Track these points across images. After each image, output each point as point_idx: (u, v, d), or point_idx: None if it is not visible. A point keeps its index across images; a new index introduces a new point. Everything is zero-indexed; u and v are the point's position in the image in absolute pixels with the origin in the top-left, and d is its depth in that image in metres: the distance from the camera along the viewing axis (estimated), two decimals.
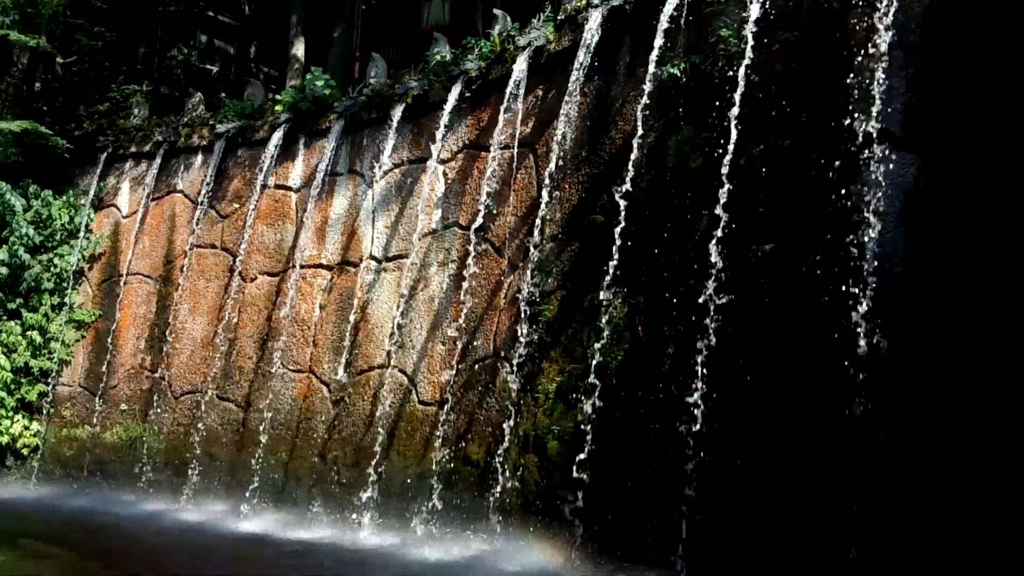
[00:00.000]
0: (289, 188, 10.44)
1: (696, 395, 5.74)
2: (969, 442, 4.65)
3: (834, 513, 4.96)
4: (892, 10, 5.27)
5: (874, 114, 5.21)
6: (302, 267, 9.88)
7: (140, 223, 11.73)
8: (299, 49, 14.57)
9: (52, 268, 11.75)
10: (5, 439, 11.19)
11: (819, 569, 5.02)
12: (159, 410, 10.73)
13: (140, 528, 8.91)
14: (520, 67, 8.15)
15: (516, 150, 8.18)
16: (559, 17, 8.14)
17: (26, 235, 11.63)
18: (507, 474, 7.15)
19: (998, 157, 4.84)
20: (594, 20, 7.54)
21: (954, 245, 4.91)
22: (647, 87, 6.80)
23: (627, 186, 6.70)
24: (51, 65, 13.96)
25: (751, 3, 6.14)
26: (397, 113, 9.32)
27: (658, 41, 6.75)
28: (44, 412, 11.61)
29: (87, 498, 10.47)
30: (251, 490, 9.21)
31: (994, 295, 4.72)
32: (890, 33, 5.25)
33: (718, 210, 5.90)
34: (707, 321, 5.82)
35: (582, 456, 6.39)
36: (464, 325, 8.11)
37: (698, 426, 5.68)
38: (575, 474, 6.42)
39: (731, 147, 5.91)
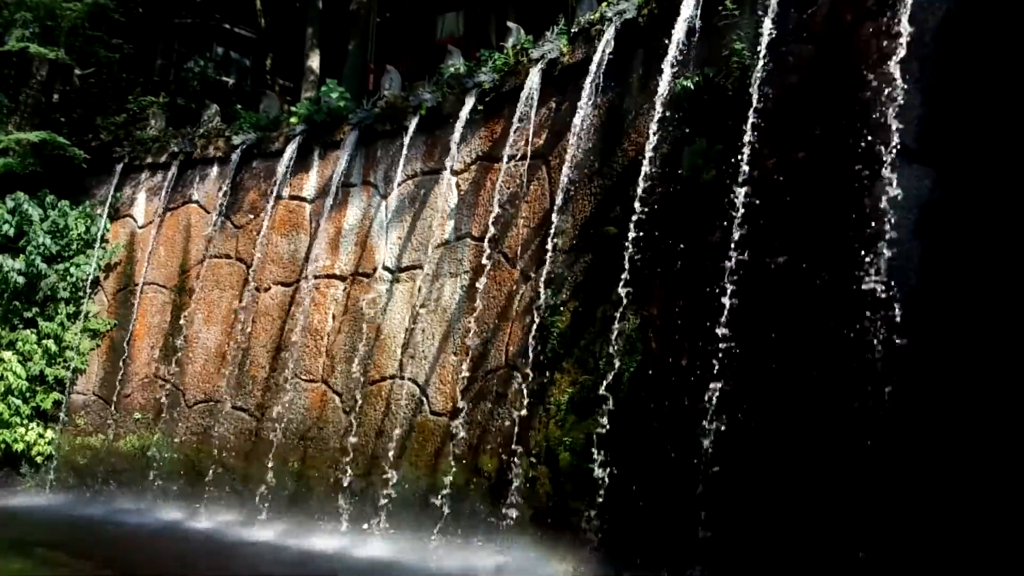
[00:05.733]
0: (303, 199, 10.51)
1: (709, 406, 5.73)
2: (986, 455, 4.62)
3: (850, 525, 4.93)
4: (906, 22, 5.26)
5: (888, 126, 5.20)
6: (316, 277, 9.93)
7: (156, 233, 11.83)
8: (314, 61, 14.70)
9: (68, 277, 11.84)
10: (20, 447, 11.26)
11: None
12: (173, 419, 10.78)
13: (153, 537, 8.95)
14: (534, 79, 8.19)
15: (529, 162, 8.21)
16: (573, 30, 8.18)
17: (43, 244, 11.73)
18: (519, 485, 7.14)
19: (1014, 170, 4.83)
20: (608, 33, 7.57)
21: (969, 258, 4.89)
22: (660, 99, 6.80)
23: (640, 198, 6.71)
24: (69, 77, 14.11)
25: (764, 16, 6.15)
26: (411, 125, 9.38)
27: (671, 54, 6.76)
28: (59, 420, 11.69)
29: (101, 506, 10.52)
30: (264, 499, 9.23)
31: (1010, 309, 4.70)
32: (904, 45, 5.24)
33: (731, 222, 5.89)
34: (720, 332, 5.80)
35: (594, 467, 6.38)
36: (476, 336, 8.13)
37: (711, 437, 5.66)
38: (587, 485, 6.40)
39: (745, 159, 5.91)
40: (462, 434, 7.92)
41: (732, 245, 5.85)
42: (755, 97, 5.99)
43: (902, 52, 5.23)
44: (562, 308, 7.42)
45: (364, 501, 8.53)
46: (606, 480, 6.33)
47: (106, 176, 12.53)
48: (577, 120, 7.63)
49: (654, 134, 6.80)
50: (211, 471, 9.95)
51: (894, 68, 5.24)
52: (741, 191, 5.89)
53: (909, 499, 4.77)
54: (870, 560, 4.80)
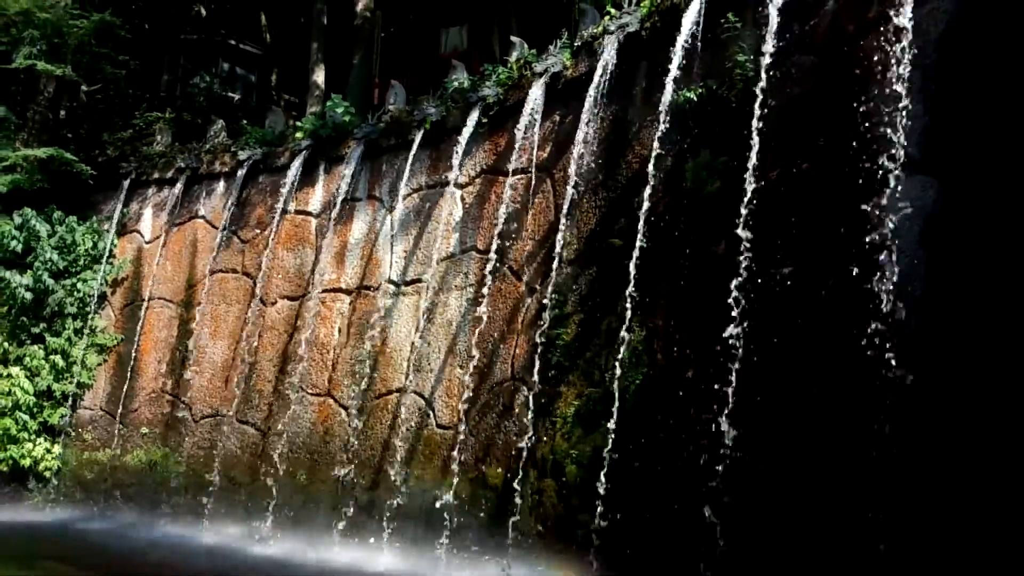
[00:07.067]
0: (309, 213, 10.54)
1: (715, 417, 5.72)
2: (993, 463, 4.61)
3: (860, 538, 4.91)
4: (908, 33, 5.28)
5: (891, 136, 5.20)
6: (321, 291, 9.96)
7: (162, 248, 11.88)
8: (319, 76, 14.78)
9: (75, 293, 11.89)
10: (27, 462, 11.28)
11: None
12: (179, 433, 10.80)
13: (160, 551, 8.95)
14: (537, 93, 8.23)
15: (533, 175, 8.24)
16: (576, 44, 8.22)
17: (50, 260, 11.79)
18: (525, 498, 7.13)
19: (1017, 178, 4.83)
20: (610, 46, 7.61)
21: (974, 267, 4.89)
22: (663, 112, 6.82)
23: (644, 210, 6.72)
24: (76, 93, 14.22)
25: (766, 28, 6.17)
26: (416, 139, 9.42)
27: (674, 66, 6.79)
28: (66, 435, 11.71)
29: (107, 521, 10.55)
30: (270, 513, 9.22)
31: (1015, 317, 4.69)
32: (906, 55, 5.25)
33: (736, 233, 5.89)
34: (725, 343, 5.80)
35: (601, 480, 6.36)
36: (481, 349, 8.13)
37: (718, 449, 5.65)
38: (594, 498, 6.39)
39: (749, 171, 5.92)
40: (468, 447, 7.91)
41: (737, 256, 5.85)
42: (758, 109, 6.01)
43: (904, 62, 5.24)
44: (567, 320, 7.42)
45: (371, 514, 8.52)
46: (613, 493, 6.31)
47: (113, 192, 12.61)
48: (581, 133, 7.65)
49: (658, 146, 6.82)
50: (218, 485, 9.95)
51: (896, 78, 5.25)
52: (745, 202, 5.90)
53: (919, 509, 4.75)
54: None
